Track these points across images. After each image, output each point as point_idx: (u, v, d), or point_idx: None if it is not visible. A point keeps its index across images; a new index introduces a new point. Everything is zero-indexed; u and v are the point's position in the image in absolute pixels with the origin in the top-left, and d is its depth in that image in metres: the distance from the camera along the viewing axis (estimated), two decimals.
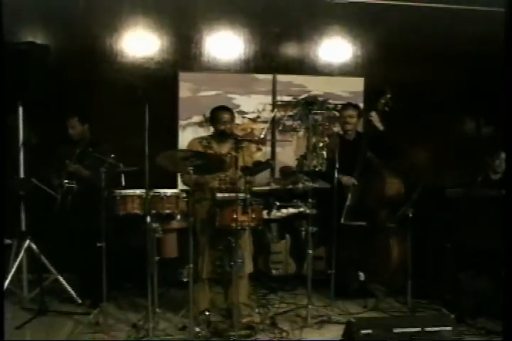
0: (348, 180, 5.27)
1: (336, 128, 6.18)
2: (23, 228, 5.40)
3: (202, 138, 4.94)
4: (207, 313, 4.74)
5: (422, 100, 6.66)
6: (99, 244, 4.48)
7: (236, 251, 4.33)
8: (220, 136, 4.80)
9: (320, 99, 6.45)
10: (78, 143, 5.25)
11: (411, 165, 6.08)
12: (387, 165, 5.41)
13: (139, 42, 6.32)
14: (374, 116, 5.31)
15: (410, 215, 4.92)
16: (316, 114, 6.17)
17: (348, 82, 6.61)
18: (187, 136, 5.28)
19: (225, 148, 4.88)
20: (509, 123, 3.83)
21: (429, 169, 6.68)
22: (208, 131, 4.96)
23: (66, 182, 5.07)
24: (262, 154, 6.33)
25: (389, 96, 5.30)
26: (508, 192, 3.90)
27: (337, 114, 6.21)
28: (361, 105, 6.26)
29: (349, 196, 5.25)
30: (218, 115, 4.83)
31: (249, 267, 4.83)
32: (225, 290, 4.96)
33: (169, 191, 4.56)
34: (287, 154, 6.45)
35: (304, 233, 4.96)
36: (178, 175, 5.03)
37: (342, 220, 5.17)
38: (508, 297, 3.46)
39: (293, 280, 5.96)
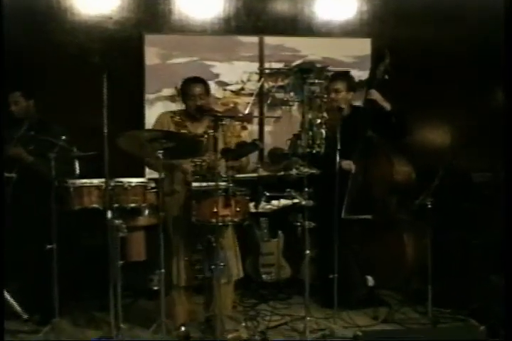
0: (348, 165, 5.28)
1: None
2: None
3: (174, 113, 4.93)
4: (183, 328, 4.70)
5: (439, 65, 6.59)
6: (49, 246, 4.48)
7: (217, 253, 4.37)
8: (196, 111, 4.80)
9: (317, 65, 6.39)
10: (22, 123, 5.22)
11: (426, 145, 6.07)
12: (393, 145, 5.41)
13: None
14: (375, 95, 5.31)
15: (429, 206, 4.90)
16: (312, 84, 6.06)
17: (352, 44, 6.56)
18: (155, 113, 5.18)
19: (201, 127, 4.89)
20: None
21: (450, 149, 6.66)
22: (181, 106, 4.97)
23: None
24: (248, 134, 6.29)
25: (388, 61, 5.28)
26: None
27: None
28: (367, 73, 6.15)
29: (349, 184, 5.25)
30: (189, 88, 4.82)
31: (235, 272, 4.88)
32: (206, 300, 4.98)
33: (135, 180, 4.57)
34: (278, 133, 6.41)
35: (299, 229, 4.90)
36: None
37: (342, 214, 5.16)
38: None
39: (287, 287, 5.98)
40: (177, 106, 5.09)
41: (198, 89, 4.79)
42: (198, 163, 4.79)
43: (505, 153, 4.31)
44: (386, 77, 5.30)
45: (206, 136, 4.73)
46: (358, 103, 5.57)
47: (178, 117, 4.89)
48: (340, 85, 5.43)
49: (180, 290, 4.87)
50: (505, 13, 5.86)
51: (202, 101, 4.79)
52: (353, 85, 5.54)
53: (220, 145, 4.60)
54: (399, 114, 5.32)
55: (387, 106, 5.32)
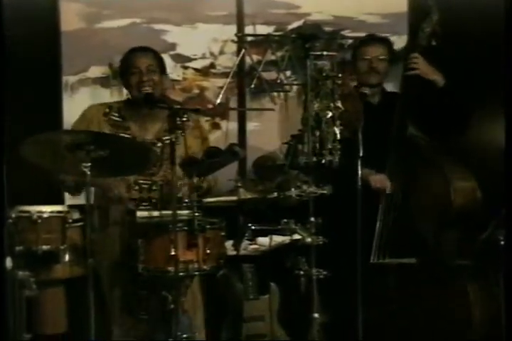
0: (379, 181, 5.04)
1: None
2: None
3: (110, 108, 4.71)
4: None
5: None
6: None
7: (177, 319, 4.18)
8: (144, 102, 4.55)
9: (326, 29, 6.13)
10: None
11: (492, 145, 5.89)
12: (448, 150, 5.27)
13: None
14: (420, 61, 5.08)
15: (502, 242, 4.56)
16: (319, 57, 5.51)
17: None
18: (79, 105, 4.95)
19: (152, 130, 4.73)
20: None
21: None
22: (118, 94, 4.79)
23: None
24: (221, 135, 6.09)
25: (436, 18, 5.10)
26: None
27: None
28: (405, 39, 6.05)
29: (381, 212, 5.04)
30: (132, 64, 4.64)
31: None
32: None
33: (49, 209, 4.32)
34: (268, 134, 6.18)
35: (303, 281, 4.61)
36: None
37: (371, 257, 4.96)
38: None
39: None
40: (112, 95, 4.96)
41: (146, 65, 4.61)
42: (146, 183, 4.65)
43: None
44: (433, 43, 5.10)
45: (161, 144, 4.57)
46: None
47: (115, 115, 4.68)
48: (382, 50, 5.23)
49: None
50: None
51: (151, 83, 4.60)
52: (394, 55, 5.34)
53: (179, 153, 4.28)
54: (455, 92, 5.12)
55: (438, 80, 5.07)
